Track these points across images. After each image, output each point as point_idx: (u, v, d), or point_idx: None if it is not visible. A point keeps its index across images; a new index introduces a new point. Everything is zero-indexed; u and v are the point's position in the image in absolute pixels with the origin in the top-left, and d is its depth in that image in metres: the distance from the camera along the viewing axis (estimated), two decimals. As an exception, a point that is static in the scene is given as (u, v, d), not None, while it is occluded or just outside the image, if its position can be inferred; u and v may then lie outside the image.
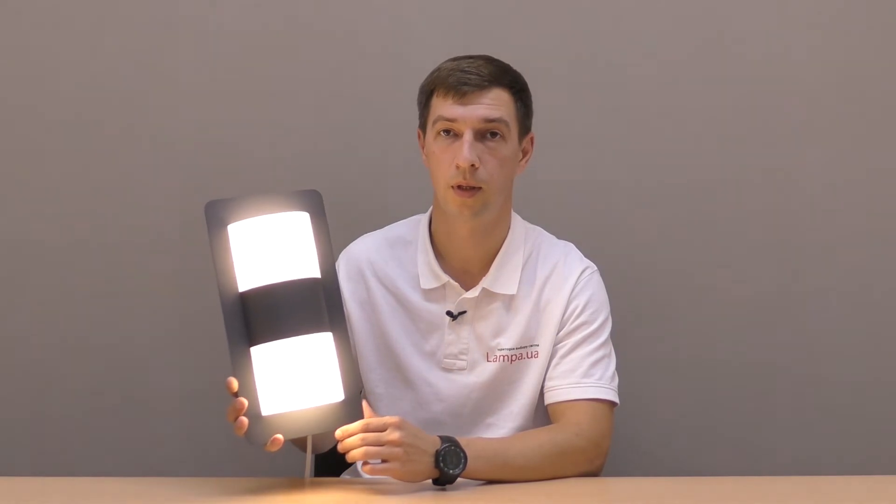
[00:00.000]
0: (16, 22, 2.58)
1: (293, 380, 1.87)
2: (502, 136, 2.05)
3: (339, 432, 1.89)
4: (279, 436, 1.87)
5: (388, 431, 1.86)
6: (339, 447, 1.89)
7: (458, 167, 2.02)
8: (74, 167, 2.59)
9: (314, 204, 1.95)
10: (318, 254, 1.93)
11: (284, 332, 1.87)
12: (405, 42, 2.56)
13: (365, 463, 1.90)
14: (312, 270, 1.91)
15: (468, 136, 2.03)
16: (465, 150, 2.02)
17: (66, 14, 2.58)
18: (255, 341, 1.87)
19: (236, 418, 1.86)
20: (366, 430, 1.87)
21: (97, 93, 2.58)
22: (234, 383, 1.86)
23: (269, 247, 1.89)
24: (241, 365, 1.86)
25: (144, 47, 2.58)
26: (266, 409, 1.87)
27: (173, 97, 2.58)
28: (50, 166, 2.59)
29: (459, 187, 2.03)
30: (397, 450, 1.86)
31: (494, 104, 2.05)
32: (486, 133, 2.04)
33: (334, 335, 1.92)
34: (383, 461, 1.86)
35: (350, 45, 2.57)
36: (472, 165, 2.02)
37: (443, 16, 2.56)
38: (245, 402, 1.85)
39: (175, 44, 2.58)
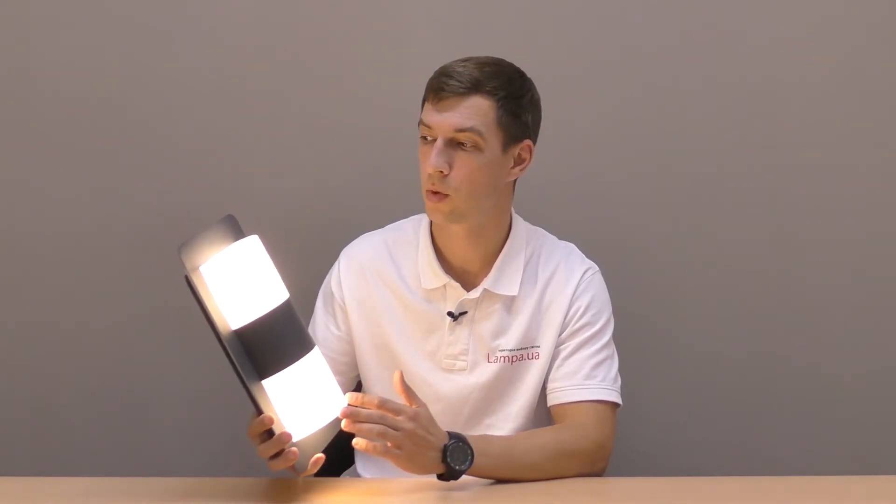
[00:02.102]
0: (15, 21, 2.58)
1: (307, 400, 1.89)
2: (476, 146, 2.02)
3: (350, 398, 1.89)
4: (320, 454, 1.89)
5: (402, 419, 1.86)
6: (345, 425, 1.88)
7: (428, 173, 2.03)
8: (74, 167, 2.59)
9: (239, 227, 1.91)
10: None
11: (287, 361, 1.87)
12: (405, 42, 2.56)
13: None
14: (283, 291, 1.91)
15: (439, 142, 2.02)
16: (433, 156, 2.02)
17: (65, 14, 2.58)
18: (263, 375, 1.86)
19: (280, 452, 1.84)
20: (382, 407, 1.87)
21: (98, 93, 2.58)
22: (271, 419, 1.83)
23: (245, 279, 1.87)
24: (261, 400, 1.85)
25: (145, 48, 2.57)
26: (296, 435, 1.87)
27: (173, 98, 2.58)
28: (49, 166, 2.59)
29: (430, 192, 2.04)
30: (406, 441, 1.86)
31: (469, 112, 2.02)
32: (458, 142, 2.03)
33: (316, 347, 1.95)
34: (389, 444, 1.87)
35: (350, 45, 2.57)
36: (441, 172, 2.02)
37: (444, 16, 2.56)
38: (290, 433, 1.84)
39: (175, 44, 2.57)
